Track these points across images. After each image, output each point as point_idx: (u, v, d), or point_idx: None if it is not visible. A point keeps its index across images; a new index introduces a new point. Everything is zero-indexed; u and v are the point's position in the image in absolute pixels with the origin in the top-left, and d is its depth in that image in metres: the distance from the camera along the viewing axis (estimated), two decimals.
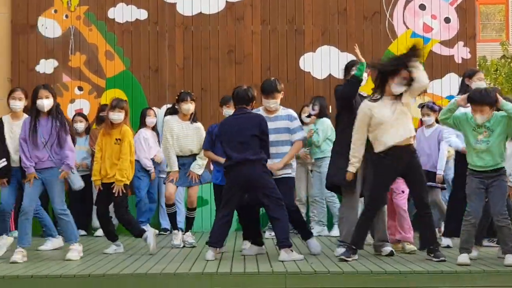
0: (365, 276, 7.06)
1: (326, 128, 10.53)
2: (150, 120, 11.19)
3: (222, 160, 8.66)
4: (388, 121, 7.80)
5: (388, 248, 8.20)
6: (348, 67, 8.40)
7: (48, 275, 7.16)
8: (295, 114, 8.64)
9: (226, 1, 11.98)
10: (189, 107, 9.39)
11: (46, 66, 11.87)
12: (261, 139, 8.08)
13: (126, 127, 9.00)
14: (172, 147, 9.32)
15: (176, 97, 9.58)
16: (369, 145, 8.02)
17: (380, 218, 8.25)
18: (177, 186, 9.51)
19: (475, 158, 7.55)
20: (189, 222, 9.59)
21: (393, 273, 7.09)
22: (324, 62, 11.91)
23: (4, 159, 9.15)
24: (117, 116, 8.87)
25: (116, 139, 8.90)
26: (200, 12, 11.98)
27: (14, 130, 8.91)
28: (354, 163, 7.97)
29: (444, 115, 7.72)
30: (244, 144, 8.02)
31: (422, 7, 11.99)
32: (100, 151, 8.94)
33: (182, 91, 9.69)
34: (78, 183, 9.10)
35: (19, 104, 8.97)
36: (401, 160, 7.81)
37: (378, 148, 7.87)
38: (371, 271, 7.13)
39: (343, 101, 8.27)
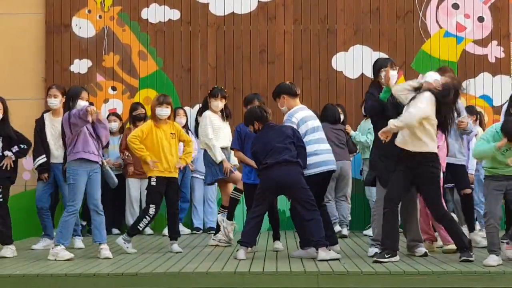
0: (398, 277, 7.02)
1: None
2: (179, 120, 11.19)
3: (251, 162, 8.68)
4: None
5: (422, 249, 8.15)
6: (377, 69, 8.28)
7: (82, 274, 7.21)
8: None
9: (258, 1, 12.00)
10: (217, 104, 9.41)
11: (80, 66, 11.97)
12: (298, 145, 8.09)
13: (177, 124, 9.16)
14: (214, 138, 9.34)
15: (209, 92, 9.61)
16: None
17: (413, 218, 8.20)
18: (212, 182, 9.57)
19: (496, 164, 7.59)
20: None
21: (426, 274, 7.05)
22: (357, 62, 11.88)
23: (44, 156, 9.31)
24: (165, 112, 8.92)
25: (171, 133, 8.97)
26: (233, 12, 12.01)
27: (55, 127, 9.14)
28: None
29: (482, 158, 7.72)
30: (280, 148, 8.02)
31: (455, 6, 11.91)
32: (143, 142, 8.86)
33: (215, 86, 9.72)
34: (115, 179, 8.94)
35: (54, 101, 9.23)
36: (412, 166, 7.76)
37: (410, 146, 7.76)
38: (404, 271, 7.10)
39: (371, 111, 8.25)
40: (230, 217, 9.43)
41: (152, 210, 8.84)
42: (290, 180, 7.96)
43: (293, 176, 7.97)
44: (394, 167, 7.85)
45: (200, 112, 10.01)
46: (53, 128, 9.27)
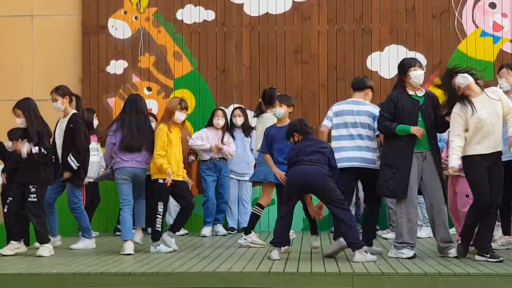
0: (433, 278, 6.98)
1: None
2: (216, 121, 11.19)
3: (275, 169, 8.76)
4: None
5: (454, 250, 8.09)
6: (406, 68, 8.21)
7: (118, 273, 7.27)
8: None
9: (293, 1, 11.99)
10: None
11: (116, 66, 12.06)
12: (330, 165, 8.08)
13: (181, 131, 9.33)
14: None
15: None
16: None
17: (440, 220, 8.10)
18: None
19: None
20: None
21: (462, 275, 6.99)
22: (392, 62, 11.80)
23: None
24: (183, 116, 9.04)
25: (179, 137, 9.12)
26: (267, 12, 12.02)
27: (62, 127, 9.33)
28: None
29: None
30: (309, 151, 8.06)
31: (492, 5, 11.80)
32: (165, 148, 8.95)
33: (273, 89, 9.77)
34: None
35: (56, 104, 9.39)
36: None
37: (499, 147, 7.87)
38: (439, 273, 7.05)
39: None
40: (248, 231, 9.40)
41: (160, 207, 8.93)
42: (313, 180, 7.94)
43: (317, 176, 7.95)
44: (396, 176, 7.95)
45: (257, 116, 10.11)
46: (60, 128, 9.36)
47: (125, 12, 12.13)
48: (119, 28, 12.10)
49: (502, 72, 8.86)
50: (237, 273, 7.19)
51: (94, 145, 11.03)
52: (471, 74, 7.78)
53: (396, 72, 11.57)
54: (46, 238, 8.83)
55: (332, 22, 11.96)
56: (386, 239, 10.15)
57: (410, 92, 8.16)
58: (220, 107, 11.49)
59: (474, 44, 11.76)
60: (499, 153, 7.77)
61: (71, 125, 9.23)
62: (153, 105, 11.95)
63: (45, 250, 8.73)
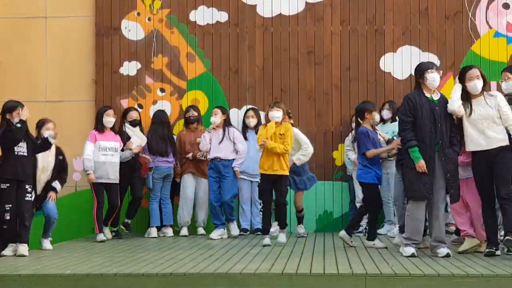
0: (447, 279, 6.97)
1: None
2: (213, 119, 11.14)
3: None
4: None
5: (443, 250, 8.16)
6: (423, 70, 8.33)
7: (131, 274, 7.29)
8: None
9: (306, 2, 11.98)
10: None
11: (129, 68, 12.07)
12: None
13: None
14: None
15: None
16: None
17: (435, 219, 8.21)
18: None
19: None
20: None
21: (475, 276, 6.98)
22: (405, 62, 11.79)
23: None
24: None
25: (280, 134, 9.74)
26: (280, 13, 12.01)
27: None
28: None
29: None
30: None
31: (506, 6, 11.75)
32: None
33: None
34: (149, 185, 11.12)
35: None
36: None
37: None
38: (452, 274, 7.04)
39: None
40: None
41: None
42: None
43: None
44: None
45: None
46: None
47: (138, 14, 12.15)
48: (132, 29, 12.12)
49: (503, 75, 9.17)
50: (250, 274, 7.21)
51: (112, 144, 11.02)
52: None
53: (409, 73, 11.70)
54: (27, 238, 8.95)
55: (345, 23, 11.94)
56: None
57: (427, 95, 8.30)
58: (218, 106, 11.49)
59: (487, 45, 11.71)
60: (498, 148, 8.05)
61: None
62: (166, 106, 11.95)
63: (25, 249, 8.84)
